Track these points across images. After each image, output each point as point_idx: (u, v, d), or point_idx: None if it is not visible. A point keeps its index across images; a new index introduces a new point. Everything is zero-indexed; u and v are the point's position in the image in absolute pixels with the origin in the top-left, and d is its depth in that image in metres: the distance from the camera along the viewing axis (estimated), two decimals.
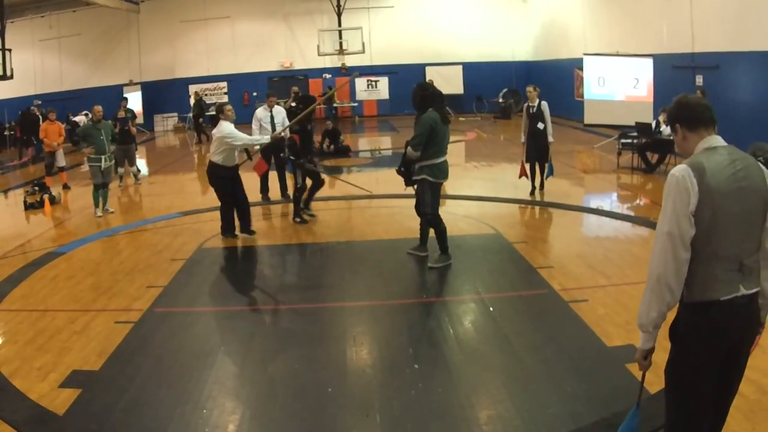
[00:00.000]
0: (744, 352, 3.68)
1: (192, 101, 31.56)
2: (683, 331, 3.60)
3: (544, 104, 13.64)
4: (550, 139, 13.66)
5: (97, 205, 13.74)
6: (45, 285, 9.23)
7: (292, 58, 34.79)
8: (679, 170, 3.47)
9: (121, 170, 17.28)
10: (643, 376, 3.94)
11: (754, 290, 3.57)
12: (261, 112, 13.95)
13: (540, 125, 13.57)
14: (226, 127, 10.70)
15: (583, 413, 5.20)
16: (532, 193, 13.82)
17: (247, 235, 11.15)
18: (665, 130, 15.96)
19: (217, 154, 10.78)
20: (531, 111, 13.71)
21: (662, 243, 3.47)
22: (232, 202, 11.11)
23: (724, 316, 3.50)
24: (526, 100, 13.90)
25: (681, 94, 3.83)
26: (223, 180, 10.89)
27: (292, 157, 12.06)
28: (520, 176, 13.96)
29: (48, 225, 13.51)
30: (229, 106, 11.11)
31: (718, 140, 3.59)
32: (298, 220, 12.14)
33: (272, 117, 13.62)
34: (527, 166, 13.94)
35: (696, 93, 14.07)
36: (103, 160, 13.50)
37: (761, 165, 3.64)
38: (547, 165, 13.83)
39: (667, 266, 3.45)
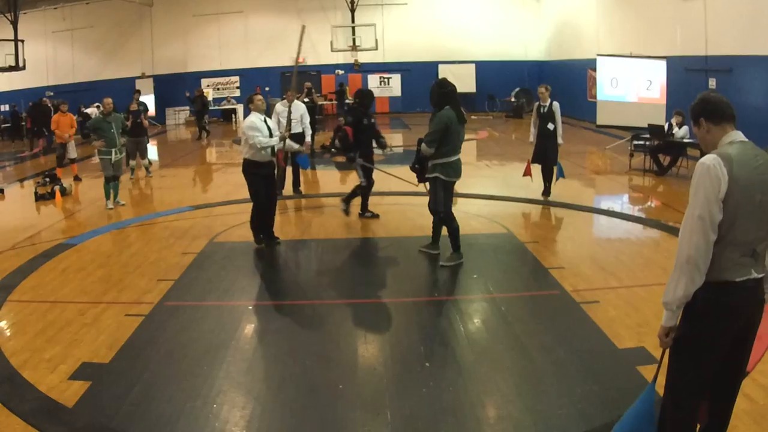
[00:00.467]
0: (752, 331, 3.95)
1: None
2: (701, 309, 3.79)
3: (556, 105, 13.38)
4: (560, 140, 13.48)
5: (108, 198, 13.72)
6: (55, 277, 9.24)
7: (305, 54, 34.76)
8: (710, 159, 3.66)
9: (132, 163, 17.33)
10: (663, 354, 4.09)
11: (762, 275, 3.84)
12: (280, 107, 14.00)
13: (550, 126, 13.33)
14: (249, 117, 10.22)
15: (593, 415, 5.18)
16: (544, 193, 13.66)
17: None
18: (678, 132, 15.90)
19: (245, 149, 10.18)
20: (542, 111, 13.46)
21: (693, 225, 3.67)
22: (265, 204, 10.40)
23: (739, 297, 3.77)
24: (538, 99, 13.74)
25: (704, 91, 4.06)
26: (255, 177, 10.20)
27: (337, 151, 12.01)
28: (524, 174, 13.89)
29: (59, 216, 13.53)
30: (259, 96, 10.49)
31: (740, 135, 3.83)
32: (368, 214, 12.24)
33: (290, 112, 13.54)
34: (534, 167, 13.80)
35: None
36: (113, 153, 13.45)
37: None
38: (555, 168, 13.58)
39: (699, 248, 3.66)
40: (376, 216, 12.17)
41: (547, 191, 13.65)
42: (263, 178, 10.25)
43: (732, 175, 3.60)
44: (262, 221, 10.48)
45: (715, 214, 3.62)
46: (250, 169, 10.21)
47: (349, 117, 12.09)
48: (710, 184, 3.62)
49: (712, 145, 3.86)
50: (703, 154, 3.85)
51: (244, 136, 10.09)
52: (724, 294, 3.74)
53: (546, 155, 13.49)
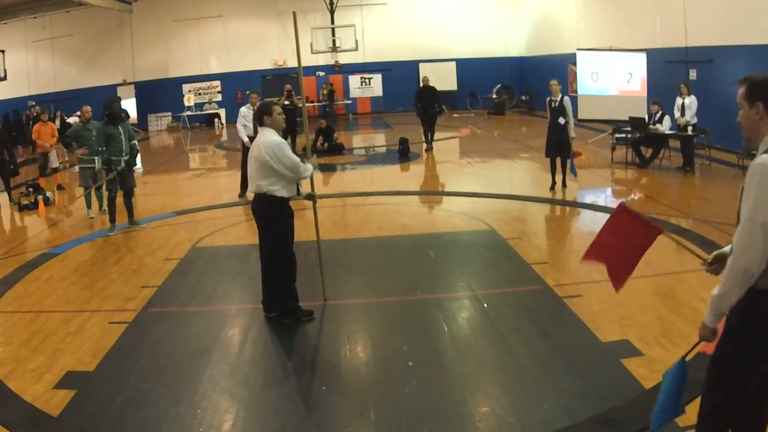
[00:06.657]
0: None
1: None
2: (760, 317, 3.48)
3: (567, 99, 13.70)
4: (572, 134, 13.73)
5: (89, 207, 13.54)
6: (39, 286, 9.21)
7: (285, 56, 34.71)
8: None
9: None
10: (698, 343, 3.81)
11: None
12: (245, 111, 14.04)
13: (561, 120, 13.58)
14: (271, 136, 7.18)
15: (577, 409, 5.21)
16: (552, 188, 13.86)
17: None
18: (661, 126, 15.85)
19: (269, 180, 7.20)
20: (553, 105, 13.74)
21: (754, 233, 3.35)
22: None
23: None
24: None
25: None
26: (291, 219, 7.58)
27: None
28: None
29: (42, 226, 13.47)
30: (278, 109, 7.48)
31: None
32: None
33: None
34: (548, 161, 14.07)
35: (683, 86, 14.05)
36: (96, 162, 13.09)
37: None
38: (569, 162, 13.80)
39: (755, 258, 3.35)
40: None
41: (562, 182, 13.99)
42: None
43: None
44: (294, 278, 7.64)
45: None
46: (286, 210, 7.41)
47: None
48: None
49: (757, 131, 3.52)
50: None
51: (272, 163, 7.04)
52: None
53: (560, 149, 13.70)
